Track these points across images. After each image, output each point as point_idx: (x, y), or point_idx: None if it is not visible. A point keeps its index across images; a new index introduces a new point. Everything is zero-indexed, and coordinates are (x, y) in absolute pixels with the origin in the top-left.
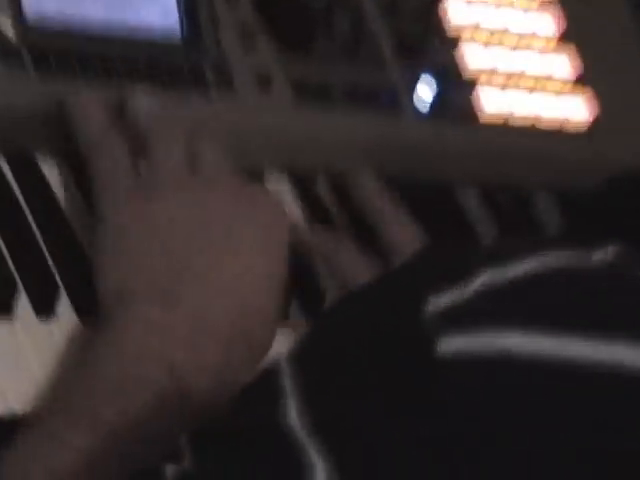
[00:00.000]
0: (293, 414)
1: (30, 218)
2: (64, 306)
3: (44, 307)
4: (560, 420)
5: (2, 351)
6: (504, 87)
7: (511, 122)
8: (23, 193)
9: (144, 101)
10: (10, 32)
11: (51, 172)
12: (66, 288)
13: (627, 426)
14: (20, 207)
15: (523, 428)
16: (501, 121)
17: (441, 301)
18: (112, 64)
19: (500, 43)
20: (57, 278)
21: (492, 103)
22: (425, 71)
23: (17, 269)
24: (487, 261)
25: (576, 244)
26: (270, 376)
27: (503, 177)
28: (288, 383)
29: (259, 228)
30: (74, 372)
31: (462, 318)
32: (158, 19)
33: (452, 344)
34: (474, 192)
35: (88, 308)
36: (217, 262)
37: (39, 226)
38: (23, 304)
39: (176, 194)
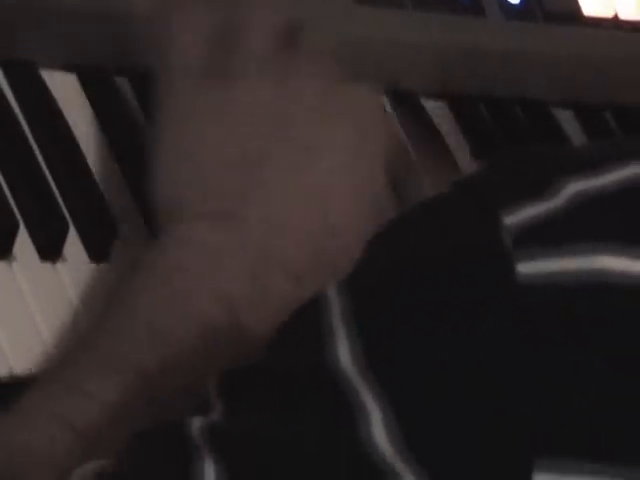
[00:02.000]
0: (344, 356)
1: (34, 149)
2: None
3: (52, 249)
4: None
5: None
6: None
7: (617, 23)
8: (24, 113)
9: None
10: None
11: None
12: (76, 226)
13: None
14: (22, 133)
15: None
16: (605, 22)
17: (522, 215)
18: None
19: None
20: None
21: (592, 3)
22: None
23: (18, 206)
24: (572, 170)
25: None
26: (315, 309)
27: (609, 91)
28: (337, 318)
29: (353, 132)
30: (102, 314)
31: (551, 234)
32: None
33: (538, 265)
34: (570, 112)
35: (101, 249)
36: (296, 175)
37: (45, 156)
38: (24, 246)
39: (256, 84)
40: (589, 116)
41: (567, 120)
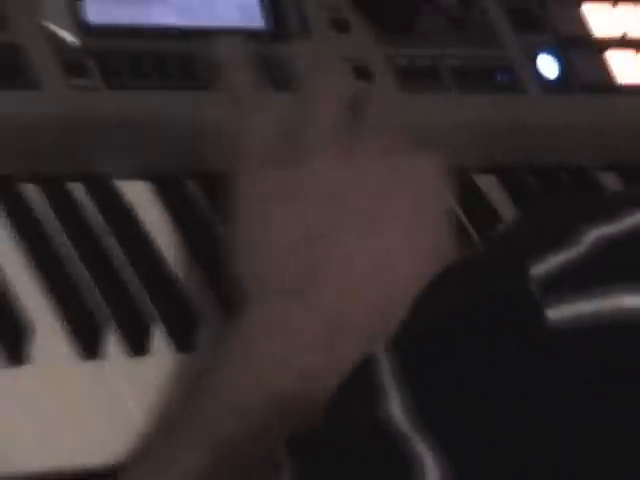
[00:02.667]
0: (396, 410)
1: (116, 250)
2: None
3: (138, 344)
4: None
5: (94, 396)
6: (638, 51)
7: None
8: (105, 222)
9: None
10: (71, 38)
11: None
12: (163, 322)
13: None
14: (102, 239)
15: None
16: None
17: (547, 264)
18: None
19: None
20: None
21: (626, 70)
22: (546, 42)
23: (106, 307)
24: (591, 217)
25: None
26: (366, 370)
27: None
28: (387, 376)
29: (416, 202)
30: (191, 393)
31: (575, 280)
32: (238, 17)
33: (565, 310)
34: (613, 175)
35: (186, 341)
36: (361, 245)
37: (126, 258)
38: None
39: (321, 162)
40: (628, 176)
41: (610, 182)
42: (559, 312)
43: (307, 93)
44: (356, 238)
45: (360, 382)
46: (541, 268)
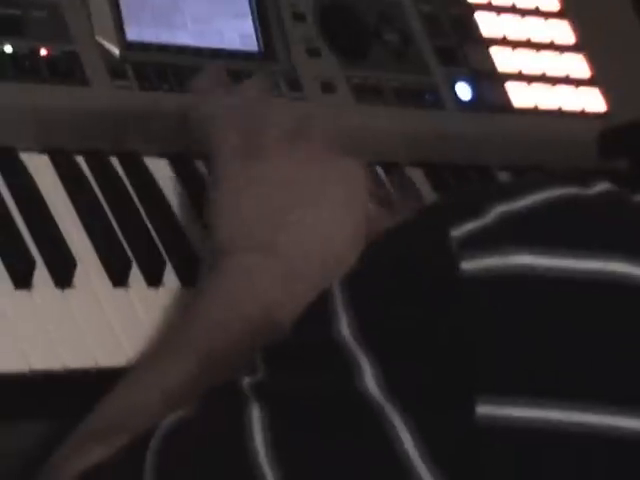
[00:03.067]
0: (344, 329)
1: (141, 209)
2: (168, 277)
3: (155, 278)
4: (564, 318)
5: (120, 315)
6: (529, 83)
7: (537, 112)
8: (134, 188)
9: (255, 83)
10: (115, 50)
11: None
12: (171, 262)
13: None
14: (132, 199)
15: (535, 330)
16: (529, 111)
17: (463, 229)
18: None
19: (525, 47)
20: (164, 255)
21: (520, 97)
22: (462, 72)
23: (131, 248)
24: (498, 196)
25: (576, 180)
26: (324, 299)
27: (533, 159)
28: (339, 304)
29: (343, 189)
30: (186, 315)
31: (484, 242)
32: (238, 42)
33: (473, 263)
34: (509, 174)
35: (190, 277)
36: (308, 216)
37: (148, 216)
38: (135, 276)
39: (278, 161)
40: (520, 174)
41: (505, 178)
42: (470, 264)
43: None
44: (304, 212)
45: (320, 307)
46: (458, 232)
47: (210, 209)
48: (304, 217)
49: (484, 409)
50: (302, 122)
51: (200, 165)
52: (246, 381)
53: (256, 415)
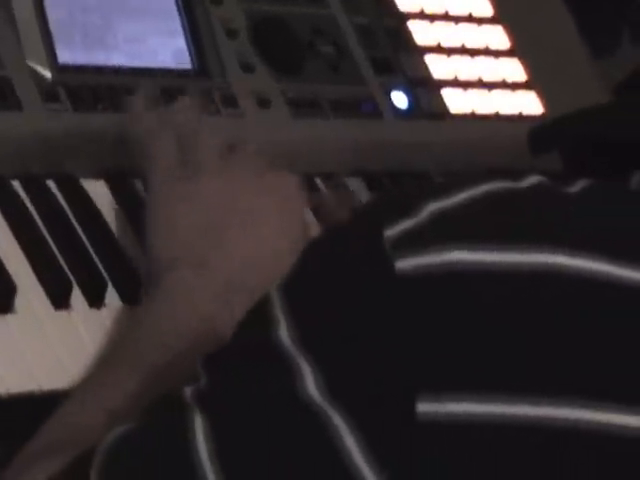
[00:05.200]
0: (284, 334)
1: (79, 230)
2: (110, 297)
3: (97, 299)
4: (495, 311)
5: (63, 337)
6: (465, 89)
7: (475, 117)
8: (72, 210)
9: (188, 103)
10: (46, 74)
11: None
12: (112, 282)
13: (550, 314)
14: (70, 221)
15: (470, 322)
16: (467, 116)
17: (396, 230)
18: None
19: (460, 53)
20: (104, 275)
21: (456, 103)
22: (398, 81)
23: (71, 270)
24: (430, 195)
25: (507, 175)
26: (262, 305)
27: (471, 164)
28: (278, 308)
29: (276, 200)
30: (128, 333)
31: (415, 241)
32: (171, 60)
33: (407, 262)
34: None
35: (132, 296)
36: (243, 229)
37: (88, 237)
38: (77, 297)
39: (212, 178)
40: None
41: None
42: (404, 263)
43: (196, 133)
44: (240, 228)
45: (259, 312)
46: (392, 231)
47: (147, 228)
48: (239, 230)
49: (425, 406)
50: (235, 138)
51: (137, 184)
52: (188, 391)
53: (198, 425)
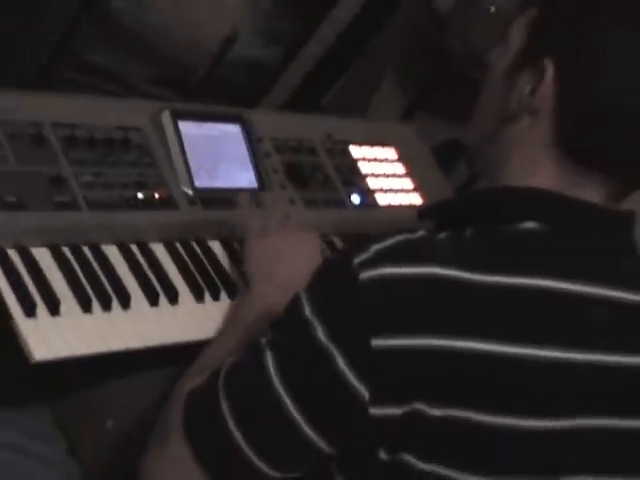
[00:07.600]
0: (307, 311)
1: (206, 262)
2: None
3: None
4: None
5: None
6: (386, 193)
7: (391, 207)
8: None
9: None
10: (189, 191)
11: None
12: (224, 287)
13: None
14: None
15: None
16: (397, 208)
17: (358, 259)
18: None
19: (383, 176)
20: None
21: (382, 200)
22: (355, 190)
23: (203, 280)
24: (375, 241)
25: (410, 231)
26: (295, 302)
27: (391, 227)
28: (304, 299)
29: (305, 247)
30: (234, 314)
31: (368, 263)
32: (248, 183)
33: (364, 275)
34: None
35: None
36: (288, 265)
37: (214, 271)
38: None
39: (275, 235)
40: None
41: None
42: (364, 275)
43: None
44: (287, 262)
45: (293, 304)
46: (357, 259)
47: (244, 262)
48: (286, 263)
49: (375, 342)
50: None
51: (235, 244)
52: (263, 340)
53: (269, 358)
